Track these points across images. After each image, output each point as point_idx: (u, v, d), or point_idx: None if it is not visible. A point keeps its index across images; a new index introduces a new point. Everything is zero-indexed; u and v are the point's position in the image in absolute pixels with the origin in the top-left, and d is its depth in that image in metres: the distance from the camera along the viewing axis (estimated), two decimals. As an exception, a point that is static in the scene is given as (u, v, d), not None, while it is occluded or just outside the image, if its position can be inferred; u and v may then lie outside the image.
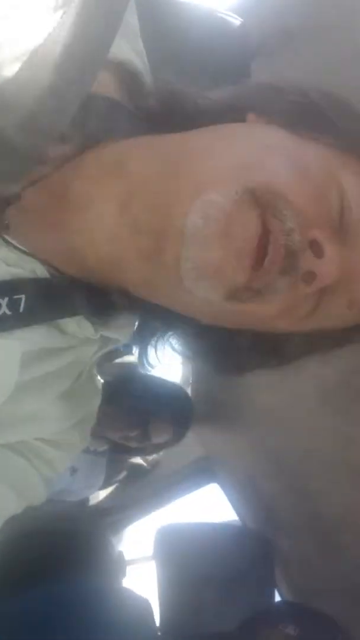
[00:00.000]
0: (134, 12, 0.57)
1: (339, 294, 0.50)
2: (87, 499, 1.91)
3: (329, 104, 0.53)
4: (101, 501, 1.97)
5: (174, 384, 1.86)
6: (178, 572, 1.20)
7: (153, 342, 0.62)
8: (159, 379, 1.79)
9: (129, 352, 2.07)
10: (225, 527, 1.60)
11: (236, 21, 0.92)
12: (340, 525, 1.28)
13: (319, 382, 1.28)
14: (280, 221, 0.44)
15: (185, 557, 1.22)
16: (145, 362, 0.64)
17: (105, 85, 0.52)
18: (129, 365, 1.89)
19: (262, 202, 0.45)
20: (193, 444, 1.95)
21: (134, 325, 0.63)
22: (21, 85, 0.41)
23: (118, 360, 1.99)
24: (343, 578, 1.24)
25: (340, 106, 0.54)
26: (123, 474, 2.00)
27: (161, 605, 1.18)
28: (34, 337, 0.52)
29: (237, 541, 1.35)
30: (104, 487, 1.97)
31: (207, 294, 0.47)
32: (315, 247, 0.45)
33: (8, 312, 0.49)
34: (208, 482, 1.94)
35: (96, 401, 0.66)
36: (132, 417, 1.67)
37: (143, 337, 0.63)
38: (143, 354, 0.63)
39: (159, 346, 0.62)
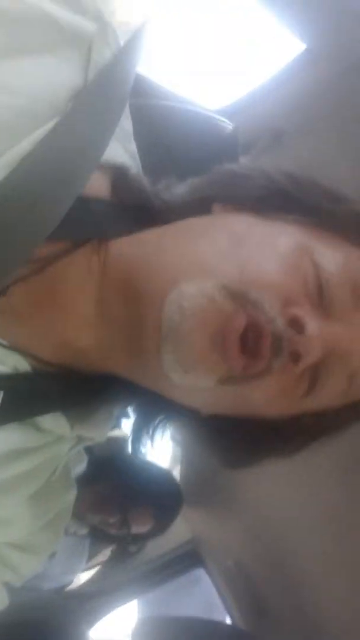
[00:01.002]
0: (128, 115, 0.59)
1: (335, 368, 0.50)
2: (66, 585, 1.80)
3: (293, 183, 0.54)
4: (83, 585, 1.87)
5: (161, 470, 1.79)
6: None
7: (149, 430, 0.60)
8: (146, 462, 1.74)
9: (118, 426, 2.04)
10: (208, 624, 1.51)
11: (228, 126, 0.96)
12: (338, 626, 1.22)
13: (316, 471, 1.26)
14: (260, 311, 0.45)
15: None
16: (137, 449, 0.62)
17: (99, 187, 0.54)
18: (116, 441, 1.84)
19: (238, 295, 0.45)
20: (181, 525, 1.88)
21: (112, 421, 0.62)
22: (12, 190, 0.43)
23: (111, 435, 1.95)
24: None
25: (304, 183, 0.55)
26: (107, 556, 1.91)
27: None
28: (9, 436, 0.51)
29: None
30: (85, 569, 1.88)
31: (198, 383, 0.47)
32: (296, 325, 0.46)
33: None
34: (195, 567, 1.86)
35: (71, 496, 0.64)
36: (112, 501, 1.61)
37: (138, 424, 0.61)
38: (136, 441, 0.61)
39: (155, 434, 0.60)
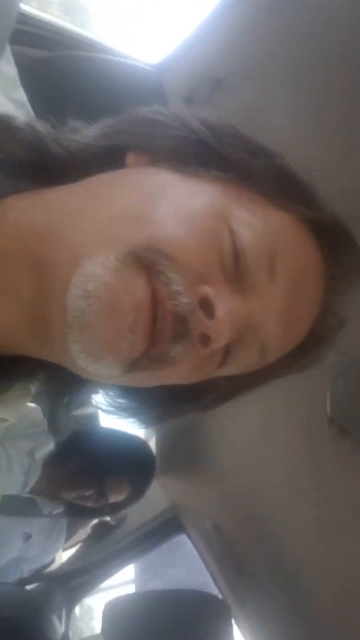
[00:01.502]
0: (10, 59, 0.53)
1: (247, 342, 0.47)
2: (46, 565, 1.79)
3: (213, 133, 0.49)
4: (64, 564, 1.86)
5: (132, 437, 1.78)
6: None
7: (66, 403, 0.57)
8: (116, 431, 1.71)
9: (87, 403, 2.01)
10: (177, 594, 1.51)
11: (146, 66, 0.90)
12: (313, 580, 1.23)
13: (284, 426, 1.26)
14: (164, 284, 0.41)
15: (135, 632, 1.14)
16: (55, 426, 0.59)
17: None
18: (85, 418, 1.82)
19: (145, 263, 0.41)
20: (159, 494, 1.88)
21: (29, 398, 0.58)
22: None
23: (75, 413, 1.92)
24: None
25: (224, 134, 0.50)
26: (87, 533, 1.90)
27: None
28: None
29: (193, 609, 1.27)
30: (67, 548, 1.87)
31: (103, 373, 0.43)
32: (206, 307, 0.42)
33: None
34: (176, 534, 1.86)
35: None
36: (85, 476, 1.59)
37: (53, 399, 0.58)
38: (53, 417, 0.59)
39: (72, 405, 0.57)
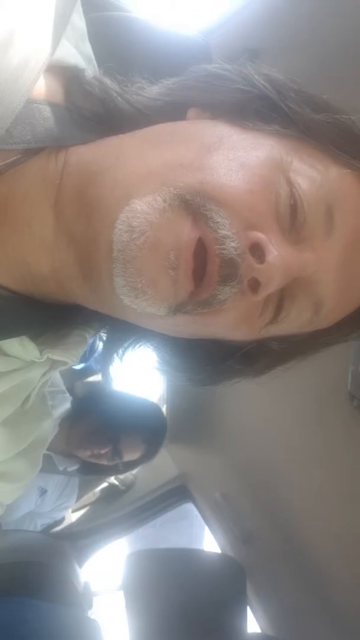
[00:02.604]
0: (82, 15, 0.54)
1: (301, 296, 0.47)
2: (59, 521, 1.85)
3: (275, 88, 0.50)
4: (74, 523, 1.91)
5: (145, 400, 1.83)
6: (147, 602, 1.16)
7: (119, 353, 0.59)
8: (130, 395, 1.76)
9: (99, 371, 2.05)
10: (196, 554, 1.56)
11: (194, 35, 0.90)
12: (320, 551, 1.26)
13: (298, 399, 1.28)
14: (212, 229, 0.42)
15: (155, 586, 1.18)
16: (108, 373, 0.61)
17: (51, 90, 0.50)
18: (100, 383, 1.85)
19: (193, 207, 0.42)
20: (168, 463, 1.92)
21: (85, 345, 0.60)
22: None
23: (90, 379, 1.96)
24: (323, 609, 1.21)
25: (286, 90, 0.50)
26: (96, 496, 1.95)
27: (131, 638, 1.13)
28: None
29: (209, 568, 1.31)
30: (76, 508, 1.92)
31: (149, 310, 0.44)
32: (257, 252, 0.43)
33: None
34: (184, 502, 1.91)
35: (47, 424, 0.62)
36: (101, 434, 1.64)
37: (109, 348, 0.60)
38: (107, 364, 0.61)
39: (126, 357, 0.59)
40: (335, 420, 1.16)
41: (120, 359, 0.59)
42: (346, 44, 1.00)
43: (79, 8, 0.53)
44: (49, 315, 0.53)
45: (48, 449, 1.61)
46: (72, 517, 1.92)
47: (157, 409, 1.84)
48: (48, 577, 1.21)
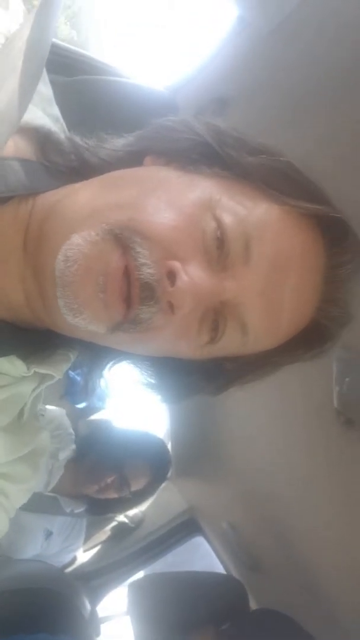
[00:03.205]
0: (47, 82, 0.63)
1: (229, 319, 0.53)
2: (65, 565, 1.84)
3: (216, 135, 0.56)
4: (85, 564, 1.91)
5: (145, 431, 1.86)
6: (153, 625, 1.17)
7: (98, 372, 0.66)
8: (129, 429, 1.80)
9: (102, 407, 2.09)
10: (196, 574, 1.56)
11: (160, 88, 1.00)
12: (326, 575, 1.27)
13: (298, 425, 1.30)
14: (133, 258, 0.48)
15: (159, 608, 1.19)
16: (90, 391, 0.67)
17: (20, 149, 0.58)
18: (103, 421, 1.89)
19: (122, 240, 0.48)
20: (176, 497, 1.93)
21: (69, 362, 0.66)
22: None
23: (92, 417, 2.00)
24: (333, 636, 1.21)
25: (226, 136, 0.57)
26: (106, 535, 1.96)
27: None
28: None
29: (212, 589, 1.32)
30: (86, 549, 1.93)
31: (91, 328, 0.51)
32: (172, 277, 0.48)
33: None
34: (194, 536, 1.91)
35: (44, 436, 0.68)
36: (106, 465, 1.65)
37: (91, 366, 0.66)
38: (92, 380, 0.66)
39: (102, 374, 0.66)
40: (330, 440, 1.18)
41: (103, 375, 0.65)
42: (311, 91, 1.08)
43: (44, 77, 0.61)
44: (32, 339, 0.60)
45: (54, 491, 1.63)
46: (83, 557, 1.92)
47: (157, 437, 1.87)
48: (60, 606, 1.23)
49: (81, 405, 2.00)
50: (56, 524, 1.69)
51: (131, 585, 1.25)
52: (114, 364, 0.64)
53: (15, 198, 0.55)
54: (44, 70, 0.58)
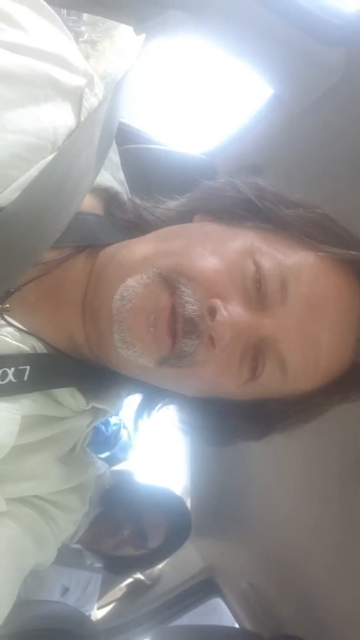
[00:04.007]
0: (115, 150, 0.72)
1: (268, 356, 0.57)
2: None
3: (257, 192, 0.62)
4: (100, 621, 1.86)
5: (162, 487, 1.86)
6: None
7: (146, 411, 0.70)
8: (149, 484, 1.79)
9: (125, 458, 2.09)
10: (214, 628, 1.51)
11: (206, 160, 1.09)
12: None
13: (329, 490, 1.30)
14: (179, 297, 0.54)
15: None
16: (114, 442, 0.71)
17: (93, 205, 0.67)
18: (124, 473, 1.89)
19: (169, 282, 0.55)
20: (194, 556, 1.90)
21: (123, 397, 0.72)
22: (23, 206, 0.53)
23: (115, 468, 2.00)
24: None
25: (266, 193, 0.62)
26: (122, 590, 1.91)
27: None
28: (34, 404, 0.60)
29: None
30: (101, 606, 1.88)
31: (141, 361, 0.56)
32: (213, 313, 0.54)
33: (14, 380, 0.57)
34: (211, 596, 1.86)
35: (92, 471, 0.72)
36: (124, 519, 1.64)
37: (139, 407, 0.71)
38: (136, 419, 0.71)
39: (152, 412, 0.70)
40: (355, 499, 1.18)
41: (149, 415, 0.70)
42: (344, 162, 1.16)
43: (114, 147, 0.70)
44: (90, 375, 0.65)
45: (78, 542, 1.62)
46: (98, 613, 1.87)
47: (177, 495, 1.86)
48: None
49: (104, 455, 2.02)
50: (73, 580, 1.67)
51: (155, 636, 1.22)
52: (162, 406, 0.69)
53: (87, 249, 0.63)
54: (114, 140, 0.67)
